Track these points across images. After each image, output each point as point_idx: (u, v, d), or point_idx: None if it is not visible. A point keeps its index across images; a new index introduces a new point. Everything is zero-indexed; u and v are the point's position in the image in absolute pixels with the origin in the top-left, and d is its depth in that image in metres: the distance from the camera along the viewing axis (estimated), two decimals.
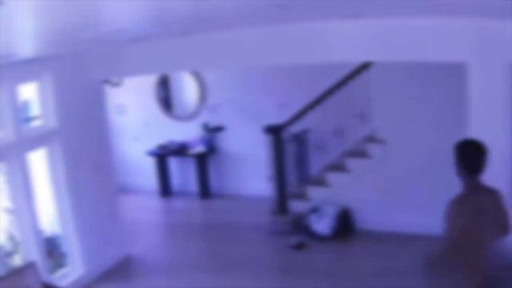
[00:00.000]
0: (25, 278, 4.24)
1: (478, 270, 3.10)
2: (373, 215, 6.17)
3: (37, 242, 4.78)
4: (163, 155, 8.20)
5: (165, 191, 8.34)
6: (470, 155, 3.09)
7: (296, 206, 6.61)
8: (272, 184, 6.69)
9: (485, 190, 3.13)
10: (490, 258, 3.13)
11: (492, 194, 3.13)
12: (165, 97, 8.37)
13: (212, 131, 7.96)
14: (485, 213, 3.06)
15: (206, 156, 7.99)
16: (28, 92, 5.01)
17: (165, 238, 7.00)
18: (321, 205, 6.33)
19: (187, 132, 8.13)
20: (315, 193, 6.52)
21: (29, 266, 4.37)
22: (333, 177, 6.44)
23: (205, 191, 8.05)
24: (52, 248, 5.23)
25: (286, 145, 6.63)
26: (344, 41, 4.44)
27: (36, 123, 5.11)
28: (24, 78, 4.79)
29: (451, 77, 5.06)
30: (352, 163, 6.29)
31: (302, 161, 6.97)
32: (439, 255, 3.22)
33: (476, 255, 3.08)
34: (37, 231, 4.79)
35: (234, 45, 4.79)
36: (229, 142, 8.01)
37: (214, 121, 7.98)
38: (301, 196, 6.65)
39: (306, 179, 6.90)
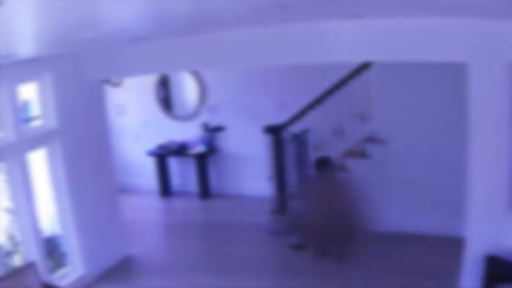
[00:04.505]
0: (25, 278, 4.24)
1: None
2: (372, 215, 6.15)
3: (37, 242, 4.78)
4: (163, 155, 8.21)
5: (165, 191, 8.34)
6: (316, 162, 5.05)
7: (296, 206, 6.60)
8: (272, 184, 6.69)
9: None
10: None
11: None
12: (165, 97, 8.37)
13: (212, 131, 7.96)
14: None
15: (206, 156, 7.99)
16: (28, 92, 5.01)
17: (165, 238, 7.00)
18: None
19: (187, 132, 8.13)
20: None
21: (29, 266, 4.37)
22: None
23: (205, 191, 8.06)
24: (52, 248, 5.24)
25: (286, 145, 6.63)
26: (344, 41, 4.44)
27: (36, 123, 5.11)
28: (24, 78, 4.79)
29: (451, 77, 5.06)
30: (352, 163, 6.28)
31: (302, 161, 6.97)
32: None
33: None
34: (37, 231, 4.80)
35: (234, 45, 4.79)
36: (229, 142, 8.01)
37: (214, 121, 7.98)
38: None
39: (306, 179, 6.89)
